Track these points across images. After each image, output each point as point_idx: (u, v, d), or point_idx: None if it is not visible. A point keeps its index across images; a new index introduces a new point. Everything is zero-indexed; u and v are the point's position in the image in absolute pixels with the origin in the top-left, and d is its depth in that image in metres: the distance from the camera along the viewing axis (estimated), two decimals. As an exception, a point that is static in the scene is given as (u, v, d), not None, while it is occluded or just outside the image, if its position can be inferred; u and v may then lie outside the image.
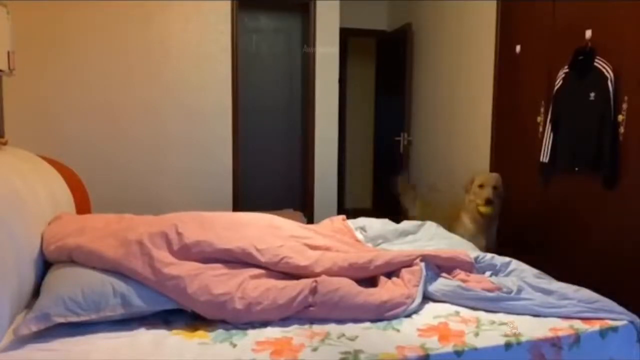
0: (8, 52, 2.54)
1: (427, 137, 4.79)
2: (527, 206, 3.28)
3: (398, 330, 1.66)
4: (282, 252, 1.98)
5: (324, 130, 4.56)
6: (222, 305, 1.67)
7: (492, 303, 1.82)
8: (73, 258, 1.80)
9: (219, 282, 1.76)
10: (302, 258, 1.98)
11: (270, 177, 5.13)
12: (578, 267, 2.81)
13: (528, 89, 3.27)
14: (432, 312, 1.81)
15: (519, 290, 1.91)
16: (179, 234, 1.92)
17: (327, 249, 2.15)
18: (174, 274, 1.73)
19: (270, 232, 2.17)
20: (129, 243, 1.83)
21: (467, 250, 2.32)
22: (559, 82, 2.90)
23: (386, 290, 1.87)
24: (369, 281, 2.00)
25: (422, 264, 1.99)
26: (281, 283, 1.83)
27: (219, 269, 1.86)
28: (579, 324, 1.71)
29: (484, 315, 1.78)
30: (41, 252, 1.86)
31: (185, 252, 1.89)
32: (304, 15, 4.72)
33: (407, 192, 4.57)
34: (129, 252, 1.79)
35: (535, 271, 2.16)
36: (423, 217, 3.13)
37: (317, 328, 1.66)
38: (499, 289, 1.91)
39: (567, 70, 2.84)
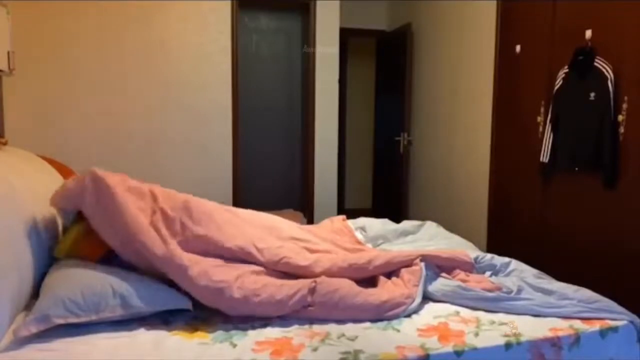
0: (8, 52, 2.55)
1: (427, 137, 4.80)
2: (527, 206, 3.28)
3: (398, 330, 1.66)
4: (282, 252, 1.99)
5: (324, 130, 4.55)
6: (220, 292, 1.67)
7: (492, 303, 1.82)
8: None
9: (219, 271, 1.77)
10: (301, 258, 1.99)
11: (270, 177, 5.13)
12: (578, 267, 2.81)
13: (528, 89, 3.27)
14: (432, 312, 1.81)
15: (519, 290, 1.91)
16: (182, 224, 1.95)
17: (327, 252, 2.15)
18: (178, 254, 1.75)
19: (270, 232, 2.18)
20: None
21: (467, 250, 2.32)
22: (559, 82, 2.90)
23: (386, 290, 1.87)
24: (369, 281, 2.01)
25: (422, 264, 1.99)
26: (280, 281, 1.83)
27: (219, 262, 1.87)
28: (579, 324, 1.71)
29: (484, 315, 1.78)
30: (41, 252, 1.86)
31: (185, 244, 1.92)
32: (304, 15, 4.73)
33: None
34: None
35: (535, 271, 2.16)
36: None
37: (317, 328, 1.66)
38: (499, 289, 1.91)
39: (567, 70, 2.84)
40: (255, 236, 2.06)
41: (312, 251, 2.11)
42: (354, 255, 2.07)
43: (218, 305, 1.68)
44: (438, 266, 2.06)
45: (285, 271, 1.95)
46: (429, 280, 1.96)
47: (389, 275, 2.03)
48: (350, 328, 1.66)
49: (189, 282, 1.69)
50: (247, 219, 2.25)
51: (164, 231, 1.87)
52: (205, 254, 1.90)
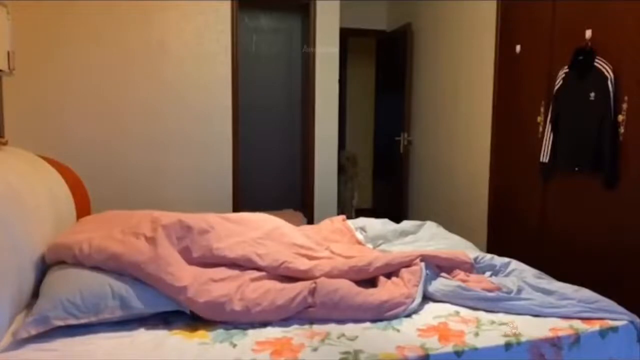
0: (8, 52, 2.55)
1: (427, 137, 4.79)
2: (527, 206, 3.28)
3: (398, 330, 1.66)
4: (282, 256, 2.00)
5: (324, 130, 4.55)
6: (221, 307, 1.67)
7: (492, 303, 1.82)
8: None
9: (219, 286, 1.77)
10: (301, 262, 1.99)
11: (270, 176, 5.14)
12: (578, 267, 2.81)
13: (528, 89, 3.26)
14: (432, 312, 1.81)
15: (519, 290, 1.91)
16: (181, 238, 1.96)
17: (328, 258, 2.15)
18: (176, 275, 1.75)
19: (271, 237, 2.18)
20: (137, 236, 1.89)
21: (467, 250, 2.32)
22: (559, 82, 2.90)
23: (386, 290, 1.87)
24: (369, 281, 2.00)
25: (422, 264, 1.99)
26: (281, 285, 1.84)
27: (219, 273, 1.87)
28: (579, 324, 1.71)
29: (484, 315, 1.78)
30: (42, 252, 1.86)
31: (188, 254, 1.92)
32: (304, 15, 4.73)
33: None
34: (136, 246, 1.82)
35: (535, 271, 2.16)
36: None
37: (317, 328, 1.66)
38: (499, 289, 1.91)
39: (567, 70, 2.84)
40: (256, 241, 2.07)
41: (312, 258, 2.11)
42: (354, 259, 2.07)
43: (220, 319, 1.68)
44: (438, 266, 2.06)
45: (286, 275, 1.95)
46: (429, 280, 1.96)
47: (389, 275, 2.03)
48: (350, 328, 1.66)
49: (189, 301, 1.69)
50: (247, 224, 2.25)
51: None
52: (205, 265, 1.93)
